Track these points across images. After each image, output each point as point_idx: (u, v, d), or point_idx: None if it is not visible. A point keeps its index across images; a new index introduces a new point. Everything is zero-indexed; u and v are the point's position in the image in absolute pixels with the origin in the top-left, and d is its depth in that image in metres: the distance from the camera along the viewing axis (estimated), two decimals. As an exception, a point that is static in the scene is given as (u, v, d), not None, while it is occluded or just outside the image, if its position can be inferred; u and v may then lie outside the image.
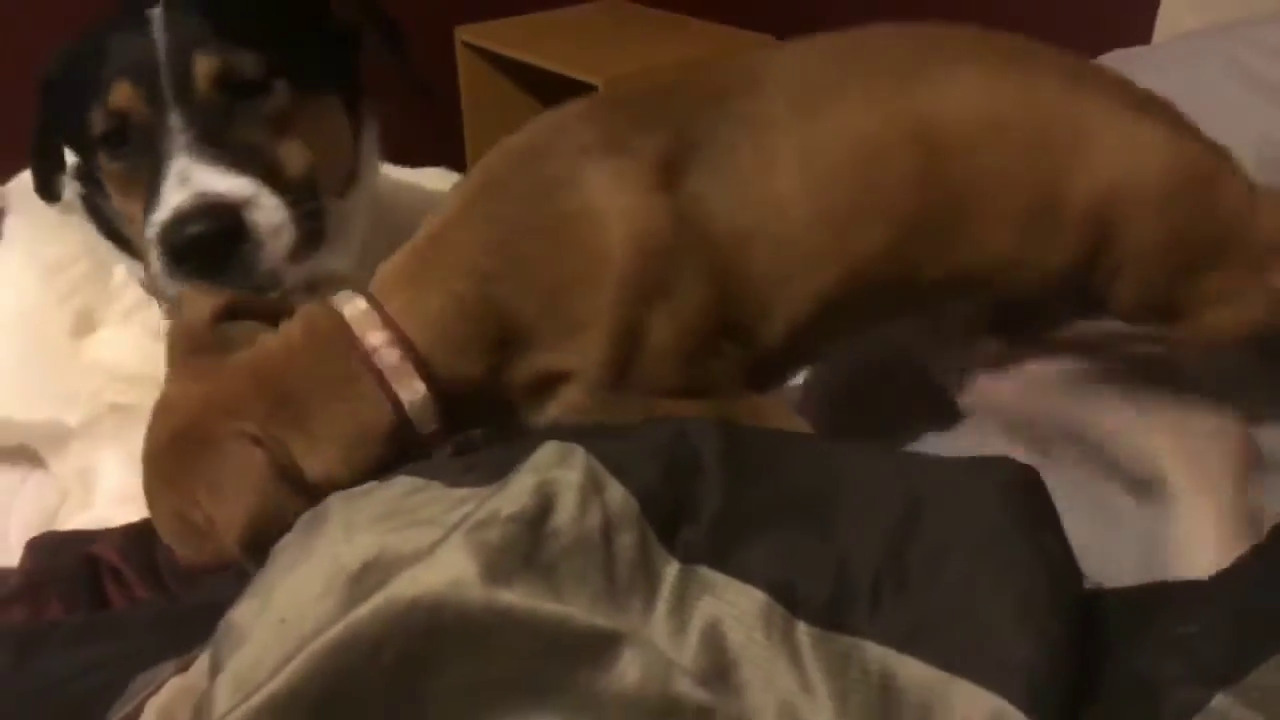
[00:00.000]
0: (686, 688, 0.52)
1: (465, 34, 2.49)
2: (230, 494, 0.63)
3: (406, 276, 0.70)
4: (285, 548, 0.60)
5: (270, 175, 0.88)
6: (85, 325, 0.99)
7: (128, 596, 0.79)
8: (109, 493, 0.98)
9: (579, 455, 0.61)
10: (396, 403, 0.67)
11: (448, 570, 0.53)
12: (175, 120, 0.86)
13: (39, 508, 1.00)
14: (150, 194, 0.86)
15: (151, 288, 0.91)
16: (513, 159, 0.74)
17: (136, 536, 0.82)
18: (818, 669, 0.54)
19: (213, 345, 0.71)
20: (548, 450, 0.61)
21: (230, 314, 0.73)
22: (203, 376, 0.68)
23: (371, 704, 0.52)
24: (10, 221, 1.02)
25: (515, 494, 0.59)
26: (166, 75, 0.86)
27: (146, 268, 0.89)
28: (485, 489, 0.60)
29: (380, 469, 0.66)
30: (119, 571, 0.80)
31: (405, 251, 0.73)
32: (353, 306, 0.69)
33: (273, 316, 0.73)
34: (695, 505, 0.62)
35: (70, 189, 0.98)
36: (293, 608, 0.54)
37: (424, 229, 0.74)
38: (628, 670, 0.52)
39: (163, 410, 0.70)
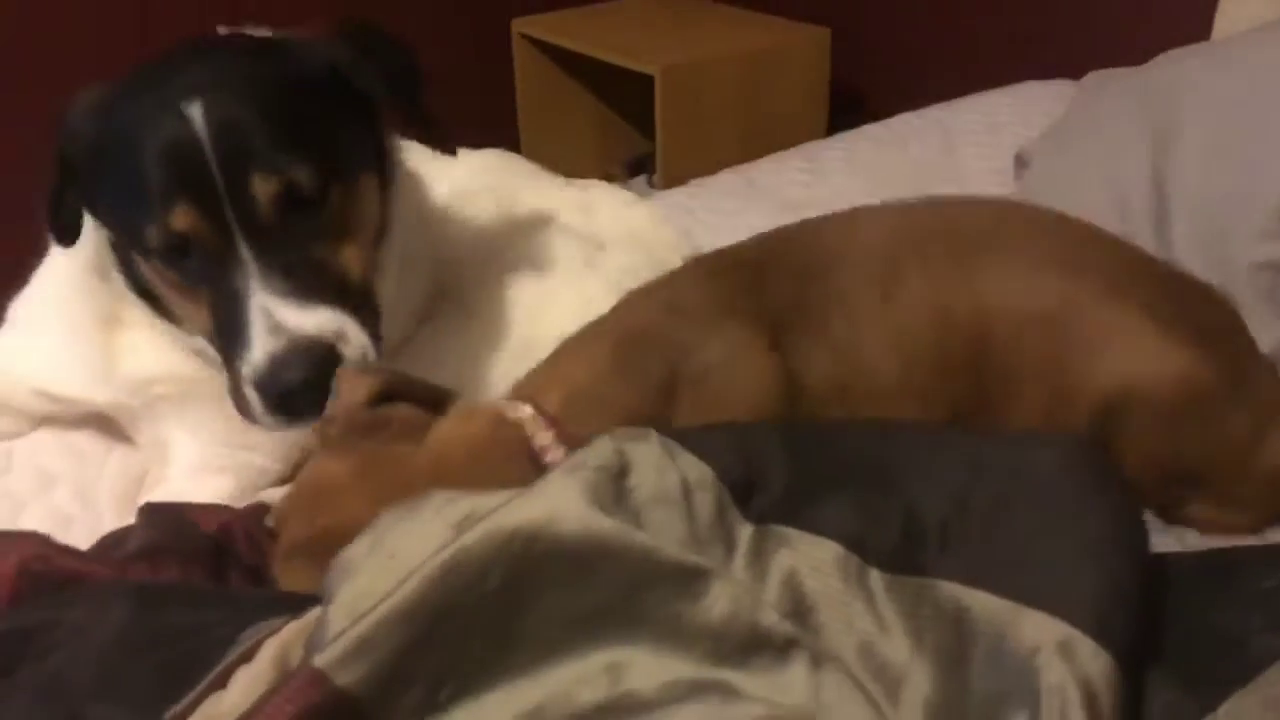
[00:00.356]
0: (773, 621, 0.56)
1: (521, 26, 2.53)
2: None
3: (567, 415, 0.79)
4: (391, 513, 0.64)
5: (339, 291, 0.87)
6: (111, 322, 1.01)
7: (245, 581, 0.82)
8: (183, 466, 1.01)
9: (651, 433, 0.66)
10: None
11: (547, 503, 0.57)
12: (244, 250, 0.84)
13: (125, 478, 1.05)
14: (228, 322, 0.85)
15: (233, 397, 0.89)
16: (648, 321, 0.87)
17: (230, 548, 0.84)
18: (891, 610, 0.57)
19: (367, 425, 0.78)
20: (620, 430, 0.66)
21: (385, 397, 0.80)
22: (380, 484, 0.73)
23: (475, 627, 0.55)
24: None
25: (598, 451, 0.63)
26: (228, 199, 0.84)
27: (230, 383, 0.87)
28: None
29: None
30: (241, 558, 0.82)
31: (564, 395, 0.81)
32: (522, 412, 0.78)
33: (425, 399, 0.81)
34: (765, 478, 0.66)
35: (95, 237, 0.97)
36: (402, 546, 0.58)
37: (575, 368, 0.84)
38: (716, 602, 0.56)
39: (324, 503, 0.75)
